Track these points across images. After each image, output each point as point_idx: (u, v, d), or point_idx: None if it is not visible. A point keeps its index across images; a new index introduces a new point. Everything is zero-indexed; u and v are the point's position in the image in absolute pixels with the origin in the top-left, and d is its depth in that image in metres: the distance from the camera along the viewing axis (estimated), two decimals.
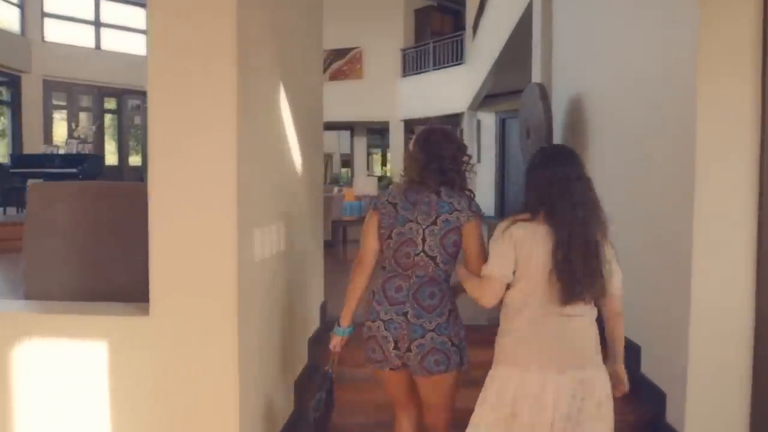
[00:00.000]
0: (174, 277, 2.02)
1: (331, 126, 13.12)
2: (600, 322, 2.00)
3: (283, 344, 2.69)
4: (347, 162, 16.96)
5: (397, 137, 14.94)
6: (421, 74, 14.44)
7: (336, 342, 2.22)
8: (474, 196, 2.17)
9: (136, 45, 12.45)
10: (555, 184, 1.89)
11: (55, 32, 12.33)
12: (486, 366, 2.02)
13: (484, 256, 2.03)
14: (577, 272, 1.84)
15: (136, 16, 12.93)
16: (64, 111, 12.81)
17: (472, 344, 2.19)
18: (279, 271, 2.59)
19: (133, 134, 14.11)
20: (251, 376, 2.22)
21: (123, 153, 13.67)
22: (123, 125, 13.66)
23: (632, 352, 3.09)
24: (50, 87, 12.18)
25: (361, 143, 16.72)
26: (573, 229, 1.85)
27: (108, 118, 13.61)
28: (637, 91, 3.19)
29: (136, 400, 2.07)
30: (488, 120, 12.84)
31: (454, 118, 13.39)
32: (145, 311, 2.04)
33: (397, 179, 2.34)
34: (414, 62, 14.79)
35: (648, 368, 2.98)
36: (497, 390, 1.93)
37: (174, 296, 2.03)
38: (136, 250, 2.13)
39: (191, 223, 2.01)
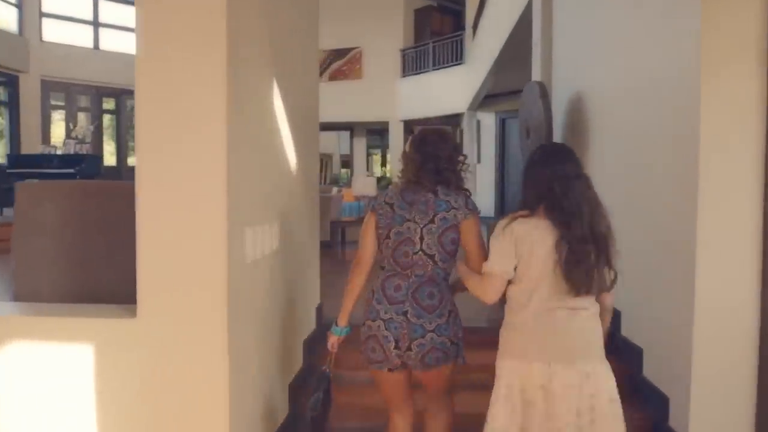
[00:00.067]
0: (162, 278, 1.98)
1: (330, 126, 13.12)
2: None
3: (278, 346, 2.66)
4: (347, 162, 16.95)
5: (396, 138, 14.90)
6: (421, 74, 14.42)
7: (333, 341, 2.25)
8: (470, 194, 2.19)
9: (134, 45, 12.37)
10: (555, 182, 1.91)
11: (53, 32, 12.30)
12: (486, 368, 2.05)
13: (484, 253, 2.07)
14: (588, 266, 1.87)
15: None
16: (62, 111, 12.80)
17: (471, 346, 2.21)
18: (273, 272, 2.55)
19: (131, 135, 14.09)
20: (245, 378, 2.18)
21: (121, 153, 13.66)
22: (122, 125, 13.64)
23: (634, 354, 3.05)
24: (48, 87, 12.16)
25: (360, 144, 16.71)
26: (581, 224, 1.87)
27: (107, 119, 13.60)
28: (638, 89, 3.15)
29: (123, 403, 2.03)
30: (488, 120, 12.82)
31: (454, 119, 13.37)
32: (133, 313, 2.00)
33: (396, 180, 2.35)
34: (414, 62, 14.77)
35: (650, 371, 2.94)
36: (506, 384, 1.96)
37: (162, 297, 1.99)
38: (126, 249, 2.10)
39: (180, 222, 1.97)
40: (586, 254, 1.86)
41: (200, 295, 1.97)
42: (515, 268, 1.95)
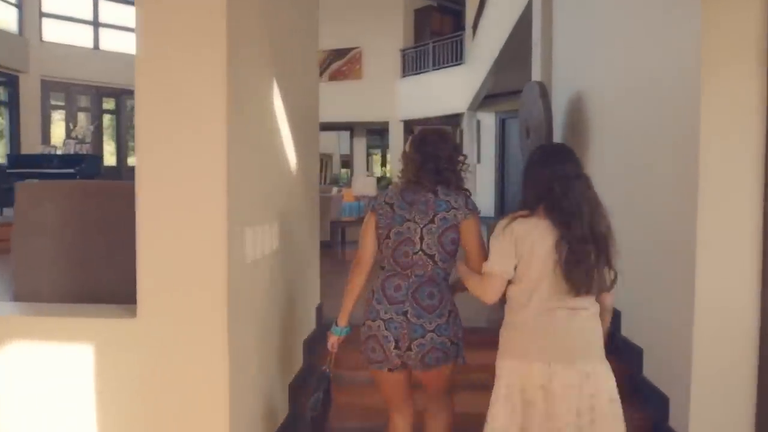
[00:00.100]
0: (162, 278, 1.98)
1: (330, 126, 13.11)
2: None
3: (278, 346, 2.65)
4: (347, 162, 16.94)
5: (396, 138, 14.89)
6: (421, 74, 14.41)
7: (333, 341, 2.25)
8: (470, 194, 2.19)
9: (134, 45, 12.37)
10: (554, 182, 1.91)
11: (53, 32, 12.29)
12: (486, 368, 2.04)
13: (484, 253, 2.06)
14: (588, 266, 1.86)
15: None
16: (62, 111, 12.79)
17: (471, 346, 2.20)
18: (273, 272, 2.55)
19: (131, 135, 14.08)
20: (245, 378, 2.18)
21: (122, 153, 13.65)
22: (122, 126, 13.63)
23: (634, 354, 3.04)
24: (48, 87, 12.15)
25: (360, 144, 16.70)
26: (581, 224, 1.87)
27: (107, 119, 13.59)
28: (638, 89, 3.15)
29: (123, 403, 2.03)
30: (488, 120, 12.81)
31: (454, 119, 13.36)
32: (133, 313, 2.00)
33: (396, 180, 2.35)
34: (414, 62, 14.76)
35: (650, 371, 2.93)
36: (506, 384, 1.96)
37: (162, 297, 1.98)
38: (126, 249, 2.10)
39: (179, 222, 1.96)
40: (586, 254, 1.86)
41: (200, 295, 1.97)
42: (515, 268, 1.95)
